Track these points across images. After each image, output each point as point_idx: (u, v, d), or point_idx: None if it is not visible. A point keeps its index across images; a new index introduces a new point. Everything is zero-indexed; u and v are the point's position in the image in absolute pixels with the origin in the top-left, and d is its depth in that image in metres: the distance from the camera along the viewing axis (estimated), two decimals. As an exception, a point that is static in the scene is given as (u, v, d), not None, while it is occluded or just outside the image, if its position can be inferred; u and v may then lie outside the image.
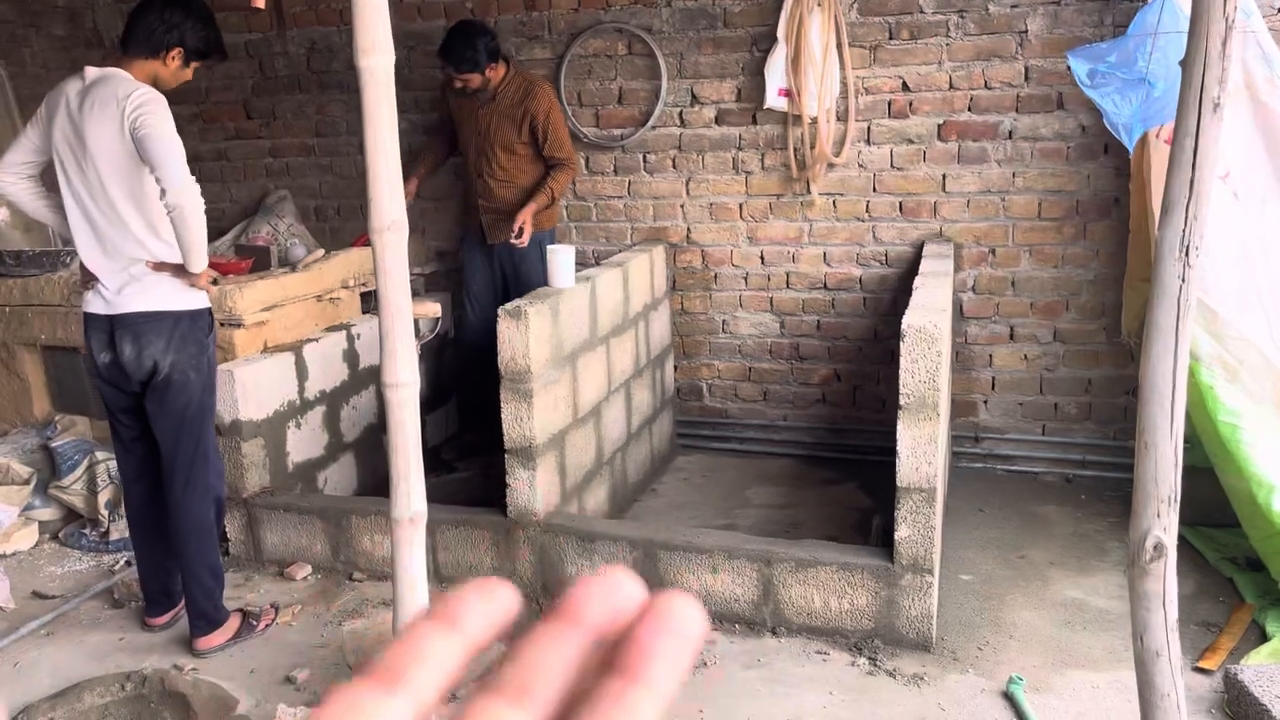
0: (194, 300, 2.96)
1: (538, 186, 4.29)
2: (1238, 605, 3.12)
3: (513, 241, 4.22)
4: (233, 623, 3.14)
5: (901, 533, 2.93)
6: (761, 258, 4.53)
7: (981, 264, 4.22)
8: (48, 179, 2.96)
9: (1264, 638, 2.93)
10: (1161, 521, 1.92)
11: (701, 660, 2.95)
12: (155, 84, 2.85)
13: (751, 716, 2.68)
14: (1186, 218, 1.79)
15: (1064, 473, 4.23)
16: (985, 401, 4.34)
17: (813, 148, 4.22)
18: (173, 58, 2.87)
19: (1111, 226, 4.00)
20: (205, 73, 5.13)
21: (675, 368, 4.77)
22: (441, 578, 3.49)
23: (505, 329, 3.20)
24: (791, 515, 4.02)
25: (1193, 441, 3.36)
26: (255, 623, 3.19)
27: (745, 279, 4.57)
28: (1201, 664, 2.81)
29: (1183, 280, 1.82)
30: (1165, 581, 1.95)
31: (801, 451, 4.62)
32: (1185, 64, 1.75)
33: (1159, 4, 3.07)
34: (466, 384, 4.71)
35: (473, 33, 4.08)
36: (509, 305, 3.24)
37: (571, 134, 4.63)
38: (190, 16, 2.87)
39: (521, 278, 4.36)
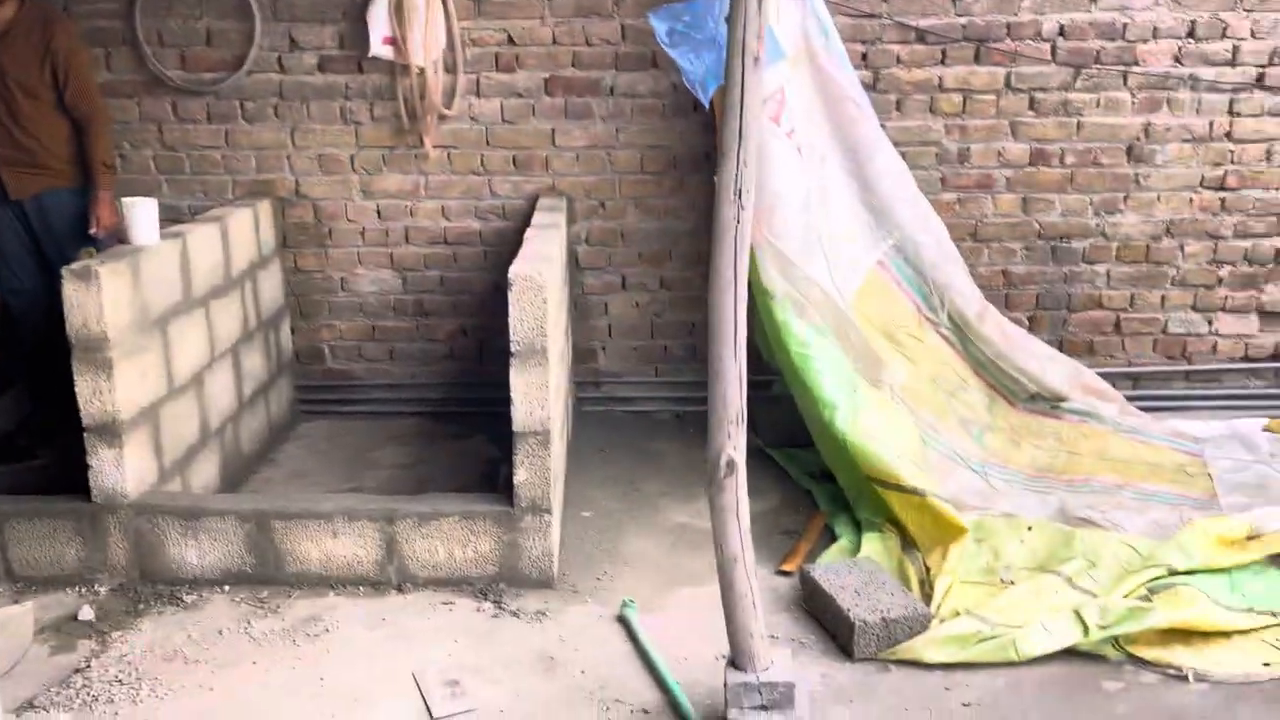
0: None
1: (86, 161, 3.86)
2: (814, 514, 3.55)
3: (92, 233, 3.83)
4: None
5: (520, 476, 3.00)
6: (378, 212, 4.39)
7: (593, 217, 4.39)
8: None
9: (835, 539, 3.36)
10: (732, 441, 2.11)
11: (323, 627, 2.85)
12: None
13: (374, 675, 2.63)
14: (738, 163, 1.97)
15: (674, 409, 4.55)
16: (604, 348, 4.56)
17: (423, 99, 4.14)
18: None
19: (704, 180, 4.32)
20: None
21: (293, 330, 4.52)
22: (16, 578, 3.07)
23: (73, 293, 2.84)
24: (420, 472, 3.98)
25: (779, 372, 3.76)
26: None
27: (362, 234, 4.42)
28: (784, 567, 3.16)
29: (738, 221, 2.00)
30: (738, 494, 2.16)
31: (431, 409, 4.59)
32: (730, 21, 1.92)
33: (728, -30, 3.33)
34: (30, 359, 4.12)
35: None
36: (75, 266, 2.87)
37: (155, 77, 4.19)
38: None
39: (54, 230, 3.91)
